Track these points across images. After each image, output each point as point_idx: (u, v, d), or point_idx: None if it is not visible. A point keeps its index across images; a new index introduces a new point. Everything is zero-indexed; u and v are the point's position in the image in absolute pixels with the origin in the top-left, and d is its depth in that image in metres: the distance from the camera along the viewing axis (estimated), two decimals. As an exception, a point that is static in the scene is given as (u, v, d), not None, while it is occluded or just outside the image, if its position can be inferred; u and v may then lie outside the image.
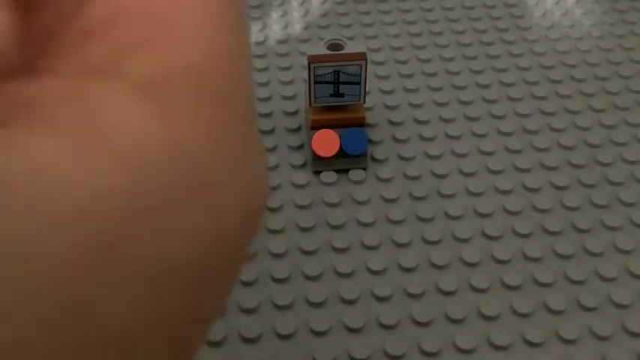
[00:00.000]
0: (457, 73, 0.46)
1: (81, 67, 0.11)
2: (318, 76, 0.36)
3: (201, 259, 0.11)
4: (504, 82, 0.45)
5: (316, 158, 0.39)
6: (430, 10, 0.52)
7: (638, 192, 0.38)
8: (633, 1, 0.53)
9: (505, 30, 0.50)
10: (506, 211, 0.37)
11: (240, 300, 0.33)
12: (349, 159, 0.39)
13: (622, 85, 0.45)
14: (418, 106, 0.44)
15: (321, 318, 0.32)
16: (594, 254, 0.35)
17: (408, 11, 0.52)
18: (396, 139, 0.41)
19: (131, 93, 0.10)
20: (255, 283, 0.34)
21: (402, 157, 0.40)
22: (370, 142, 0.41)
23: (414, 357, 0.31)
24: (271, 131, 0.42)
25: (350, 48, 0.37)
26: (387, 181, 0.39)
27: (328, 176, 0.39)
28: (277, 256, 0.35)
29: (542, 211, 0.37)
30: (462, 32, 0.50)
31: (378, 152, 0.40)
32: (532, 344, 0.31)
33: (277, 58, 0.48)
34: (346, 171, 0.39)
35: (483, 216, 0.37)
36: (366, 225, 0.36)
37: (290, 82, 0.45)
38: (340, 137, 0.38)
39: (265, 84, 0.45)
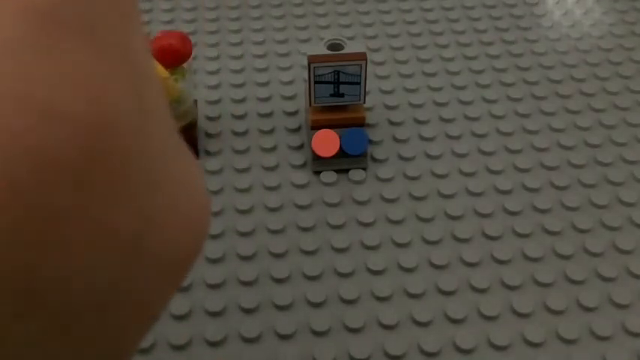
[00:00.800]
0: (457, 73, 0.46)
1: None
2: (318, 76, 0.36)
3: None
4: (504, 82, 0.45)
5: (316, 158, 0.39)
6: (430, 10, 0.52)
7: (638, 192, 0.38)
8: (633, 1, 0.53)
9: (505, 30, 0.50)
10: (506, 211, 0.37)
11: (240, 300, 0.33)
12: (349, 159, 0.39)
13: (622, 85, 0.45)
14: (418, 106, 0.44)
15: (321, 318, 0.32)
16: (594, 254, 0.35)
17: (408, 11, 0.52)
18: (396, 139, 0.41)
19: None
20: (255, 283, 0.34)
21: (402, 157, 0.40)
22: (370, 142, 0.41)
23: (414, 357, 0.31)
24: (271, 131, 0.42)
25: (350, 48, 0.37)
26: (387, 181, 0.39)
27: (328, 176, 0.39)
28: (277, 256, 0.35)
29: (542, 211, 0.37)
30: (462, 32, 0.50)
31: (378, 152, 0.40)
32: (532, 344, 0.31)
33: (277, 58, 0.48)
34: (346, 171, 0.39)
35: (483, 216, 0.37)
36: (366, 225, 0.36)
37: (290, 82, 0.45)
38: (340, 137, 0.38)
39: (265, 84, 0.45)
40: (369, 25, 0.51)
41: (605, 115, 0.43)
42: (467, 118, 0.43)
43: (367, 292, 0.33)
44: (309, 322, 0.32)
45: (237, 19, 0.51)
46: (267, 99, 0.44)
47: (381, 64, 0.47)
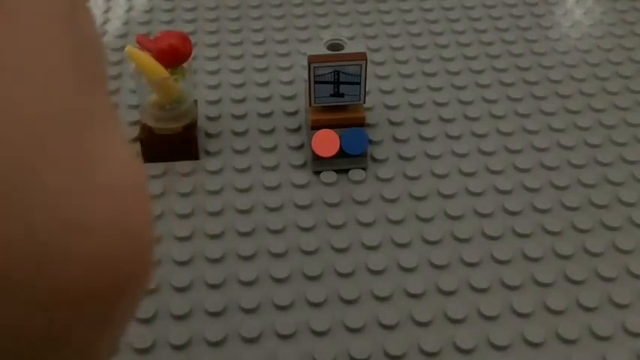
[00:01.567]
0: (457, 73, 0.46)
1: None
2: (318, 76, 0.36)
3: None
4: (504, 82, 0.45)
5: (316, 158, 0.39)
6: (430, 10, 0.52)
7: (638, 192, 0.38)
8: (633, 1, 0.53)
9: (505, 30, 0.50)
10: (506, 211, 0.37)
11: (240, 300, 0.33)
12: (349, 159, 0.39)
13: (622, 85, 0.45)
14: (418, 106, 0.44)
15: (321, 318, 0.32)
16: (594, 254, 0.35)
17: (408, 11, 0.52)
18: (396, 139, 0.41)
19: None
20: (255, 283, 0.34)
21: (402, 157, 0.40)
22: (370, 142, 0.41)
23: (414, 357, 0.31)
24: (271, 131, 0.42)
25: (350, 48, 0.37)
26: (387, 181, 0.39)
27: (328, 176, 0.39)
28: (277, 256, 0.35)
29: (542, 211, 0.37)
30: (462, 32, 0.50)
31: (378, 152, 0.40)
32: (532, 344, 0.31)
33: (277, 58, 0.48)
34: (346, 171, 0.39)
35: (483, 216, 0.37)
36: (366, 225, 0.36)
37: (290, 82, 0.45)
38: (340, 137, 0.38)
39: (265, 84, 0.45)
40: (369, 25, 0.51)
41: (605, 115, 0.43)
42: (467, 118, 0.43)
43: (367, 292, 0.33)
44: (309, 322, 0.32)
45: (237, 19, 0.51)
46: (267, 99, 0.44)
47: (381, 64, 0.47)
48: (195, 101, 0.41)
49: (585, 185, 0.39)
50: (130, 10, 0.52)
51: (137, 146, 0.39)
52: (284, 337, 0.31)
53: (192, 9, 0.52)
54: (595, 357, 0.31)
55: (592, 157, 0.40)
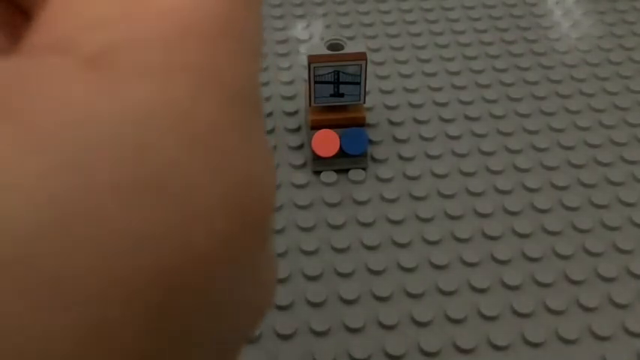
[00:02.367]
0: (457, 73, 0.46)
1: (44, 43, 0.10)
2: (318, 76, 0.36)
3: (164, 270, 0.09)
4: (504, 82, 0.45)
5: (316, 158, 0.39)
6: (430, 10, 0.52)
7: (638, 192, 0.38)
8: (633, 1, 0.53)
9: (505, 30, 0.50)
10: (506, 211, 0.37)
11: (240, 300, 0.33)
12: (349, 159, 0.39)
13: (622, 85, 0.45)
14: (418, 106, 0.44)
15: (321, 318, 0.32)
16: (594, 254, 0.35)
17: (408, 11, 0.52)
18: (396, 139, 0.41)
19: (77, 67, 0.09)
20: (255, 283, 0.33)
21: (402, 157, 0.40)
22: (370, 142, 0.41)
23: (414, 357, 0.31)
24: (271, 131, 0.42)
25: (350, 48, 0.37)
26: (387, 181, 0.39)
27: (328, 176, 0.39)
28: (277, 256, 0.35)
29: (542, 211, 0.37)
30: (462, 32, 0.50)
31: (378, 152, 0.40)
32: (532, 344, 0.31)
33: (277, 58, 0.48)
34: (346, 171, 0.39)
35: (483, 216, 0.37)
36: (366, 225, 0.36)
37: (290, 82, 0.45)
38: (340, 137, 0.38)
39: (265, 84, 0.45)
40: (369, 25, 0.51)
41: (605, 115, 0.43)
42: (467, 118, 0.43)
43: (367, 292, 0.33)
44: (309, 322, 0.32)
45: (237, 19, 0.51)
46: (267, 99, 0.44)
47: (381, 64, 0.47)
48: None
49: (585, 185, 0.39)
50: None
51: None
52: (284, 337, 0.31)
53: (192, 9, 0.52)
54: (595, 357, 0.31)
55: (592, 157, 0.40)
